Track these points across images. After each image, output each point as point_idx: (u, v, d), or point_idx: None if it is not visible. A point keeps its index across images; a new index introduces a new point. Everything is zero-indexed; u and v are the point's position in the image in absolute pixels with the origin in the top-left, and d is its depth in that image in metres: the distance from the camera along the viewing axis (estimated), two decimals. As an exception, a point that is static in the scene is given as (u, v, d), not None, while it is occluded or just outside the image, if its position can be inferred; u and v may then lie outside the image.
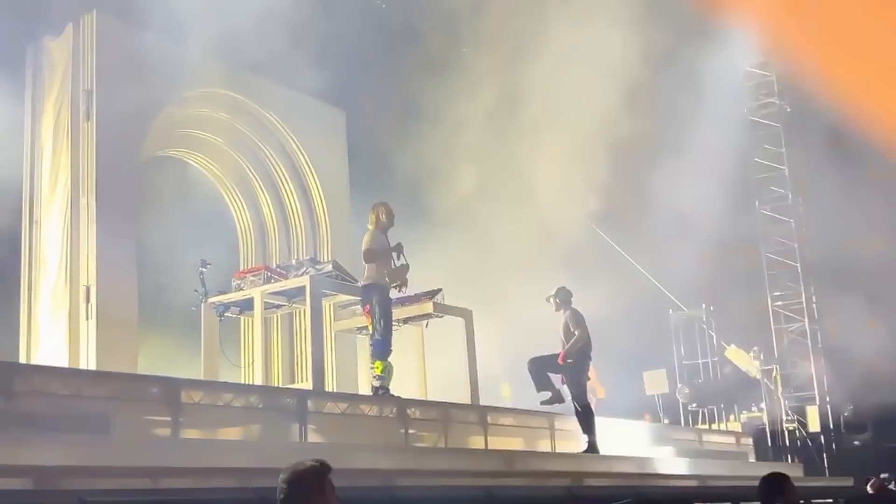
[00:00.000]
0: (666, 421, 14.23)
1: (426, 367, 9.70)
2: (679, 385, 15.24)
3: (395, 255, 8.36)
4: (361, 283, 8.35)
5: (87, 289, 9.15)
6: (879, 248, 13.67)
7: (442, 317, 9.76)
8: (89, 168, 9.42)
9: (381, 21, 13.13)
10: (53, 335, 9.21)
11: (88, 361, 8.87)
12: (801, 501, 5.10)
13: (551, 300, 9.31)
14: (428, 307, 9.40)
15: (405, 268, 8.42)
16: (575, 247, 14.35)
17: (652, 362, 15.33)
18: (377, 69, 12.34)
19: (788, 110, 15.98)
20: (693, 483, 9.17)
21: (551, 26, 13.48)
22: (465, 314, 9.77)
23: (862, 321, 13.51)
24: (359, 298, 8.91)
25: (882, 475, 9.72)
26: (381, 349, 8.07)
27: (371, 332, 8.17)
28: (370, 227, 8.38)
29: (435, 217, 12.42)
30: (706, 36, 14.06)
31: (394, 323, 8.51)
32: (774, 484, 4.56)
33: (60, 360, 8.86)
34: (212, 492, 4.80)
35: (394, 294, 8.52)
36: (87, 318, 9.04)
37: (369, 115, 12.68)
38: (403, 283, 8.48)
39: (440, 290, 9.85)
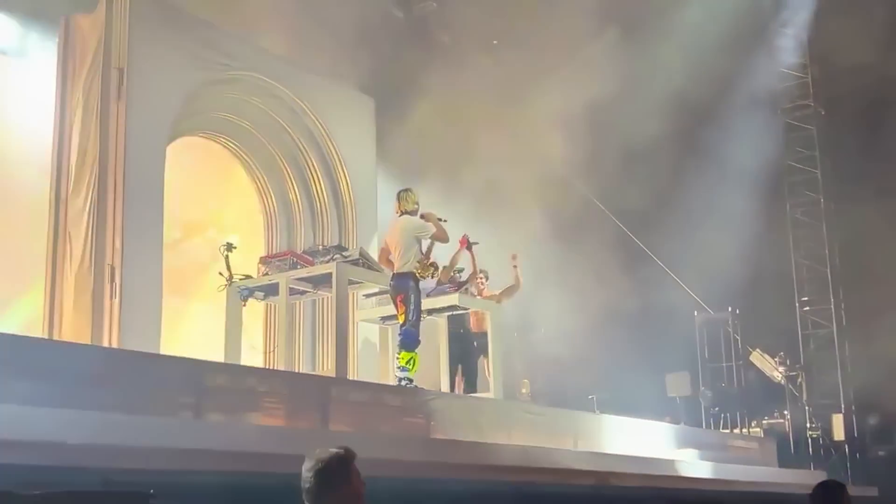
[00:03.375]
0: (668, 420, 14.05)
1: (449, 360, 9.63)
2: (702, 388, 15.06)
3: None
4: (396, 270, 8.22)
5: (112, 268, 9.09)
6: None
7: (468, 310, 9.67)
8: (118, 148, 9.34)
9: (410, 9, 13.06)
10: (77, 314, 9.16)
11: (111, 341, 8.81)
12: None
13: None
14: (454, 299, 9.31)
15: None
16: (600, 244, 14.24)
17: (675, 364, 15.18)
18: (406, 57, 12.24)
19: (823, 113, 15.75)
20: (719, 487, 9.03)
21: (580, 24, 13.36)
22: (492, 307, 9.67)
23: (891, 329, 13.31)
24: (385, 287, 8.85)
25: None
26: (411, 340, 7.98)
27: (402, 321, 8.08)
28: (404, 212, 8.27)
29: (460, 206, 12.30)
30: (744, 35, 13.92)
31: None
32: (832, 492, 4.27)
33: (83, 339, 8.81)
34: (236, 476, 4.71)
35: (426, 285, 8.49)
36: (112, 298, 8.98)
37: (398, 103, 12.59)
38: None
39: (466, 282, 9.78)
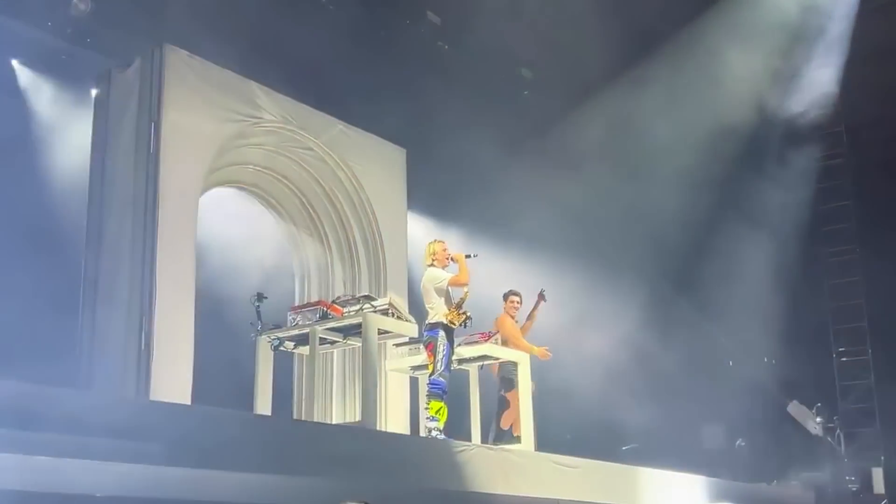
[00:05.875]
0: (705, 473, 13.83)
1: (479, 410, 9.57)
2: (738, 440, 14.81)
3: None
4: (427, 320, 8.28)
5: (144, 318, 9.13)
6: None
7: (498, 360, 9.62)
8: (151, 200, 9.44)
9: (442, 61, 13.17)
10: (110, 364, 9.20)
11: (142, 392, 8.83)
12: None
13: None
14: (483, 349, 9.28)
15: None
16: (635, 293, 14.13)
17: (710, 415, 14.96)
18: (438, 106, 12.32)
19: (856, 163, 15.61)
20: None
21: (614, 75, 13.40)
22: (521, 358, 9.61)
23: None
24: (414, 337, 8.88)
25: None
26: (440, 389, 7.98)
27: (431, 371, 8.08)
28: (431, 264, 8.33)
29: (490, 250, 12.25)
30: (776, 85, 13.91)
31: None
32: None
33: (115, 389, 8.84)
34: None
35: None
36: (143, 348, 9.02)
37: (430, 153, 12.66)
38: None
39: (497, 332, 9.73)
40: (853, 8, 13.61)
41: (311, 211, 11.84)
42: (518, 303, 10.16)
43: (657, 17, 12.70)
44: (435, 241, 8.66)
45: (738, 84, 13.36)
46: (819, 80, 14.51)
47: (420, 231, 12.50)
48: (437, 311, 8.18)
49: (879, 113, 14.46)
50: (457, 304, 8.22)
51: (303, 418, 9.77)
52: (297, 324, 8.85)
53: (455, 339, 8.47)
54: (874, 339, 15.05)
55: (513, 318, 10.12)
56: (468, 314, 8.27)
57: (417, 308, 9.34)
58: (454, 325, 8.22)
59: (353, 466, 6.47)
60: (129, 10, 9.84)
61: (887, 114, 14.35)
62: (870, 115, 14.69)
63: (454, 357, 8.51)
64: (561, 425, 12.94)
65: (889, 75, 13.73)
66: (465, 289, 8.28)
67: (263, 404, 8.77)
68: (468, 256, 8.35)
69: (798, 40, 13.89)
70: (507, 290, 10.23)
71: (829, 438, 14.55)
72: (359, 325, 8.52)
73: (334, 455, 6.47)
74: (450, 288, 8.29)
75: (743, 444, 14.74)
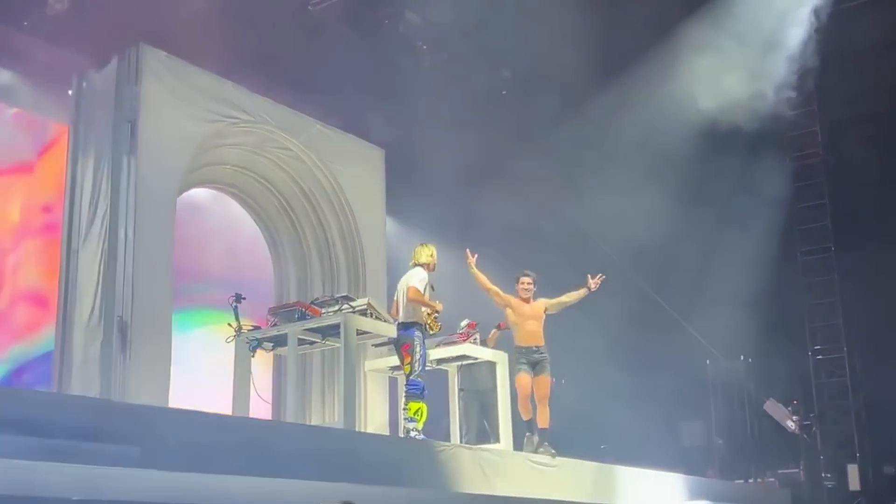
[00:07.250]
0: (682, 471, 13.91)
1: (458, 410, 9.58)
2: (715, 438, 14.91)
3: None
4: (401, 320, 8.24)
5: (122, 320, 9.10)
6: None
7: (476, 359, 9.63)
8: (129, 200, 9.41)
9: (420, 60, 13.17)
10: (85, 366, 9.16)
11: (119, 394, 8.79)
12: None
13: None
14: (462, 349, 9.29)
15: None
16: (612, 292, 14.17)
17: (688, 413, 15.04)
18: (416, 108, 12.31)
19: (832, 162, 15.74)
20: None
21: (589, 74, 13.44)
22: (499, 357, 9.62)
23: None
24: (393, 338, 8.83)
25: None
26: (418, 390, 7.96)
27: (408, 371, 8.06)
28: (418, 265, 8.28)
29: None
30: (752, 84, 13.98)
31: (427, 364, 8.40)
32: None
33: (91, 392, 8.79)
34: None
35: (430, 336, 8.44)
36: (121, 351, 8.98)
37: (408, 154, 12.66)
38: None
39: (476, 332, 9.74)
40: (827, 8, 13.72)
41: (289, 211, 11.83)
42: (529, 283, 9.24)
43: (634, 21, 12.75)
44: (422, 244, 8.54)
45: (715, 85, 13.43)
46: (794, 81, 14.62)
47: (398, 231, 12.52)
48: (412, 312, 8.13)
49: (854, 112, 14.59)
50: (429, 314, 8.18)
51: (282, 419, 9.75)
52: (275, 325, 8.81)
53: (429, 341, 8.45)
54: (850, 338, 15.18)
55: (524, 300, 9.27)
56: (440, 325, 8.26)
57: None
58: (430, 329, 8.20)
59: (332, 467, 6.46)
60: (106, 10, 9.79)
61: (862, 113, 14.48)
62: (845, 114, 14.81)
63: (430, 358, 8.50)
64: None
65: (864, 74, 13.86)
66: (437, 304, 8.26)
67: (241, 406, 8.74)
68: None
69: (773, 41, 13.98)
70: (518, 272, 9.51)
71: (805, 435, 14.66)
72: (337, 326, 8.48)
73: (313, 456, 6.46)
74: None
75: (719, 441, 14.84)
